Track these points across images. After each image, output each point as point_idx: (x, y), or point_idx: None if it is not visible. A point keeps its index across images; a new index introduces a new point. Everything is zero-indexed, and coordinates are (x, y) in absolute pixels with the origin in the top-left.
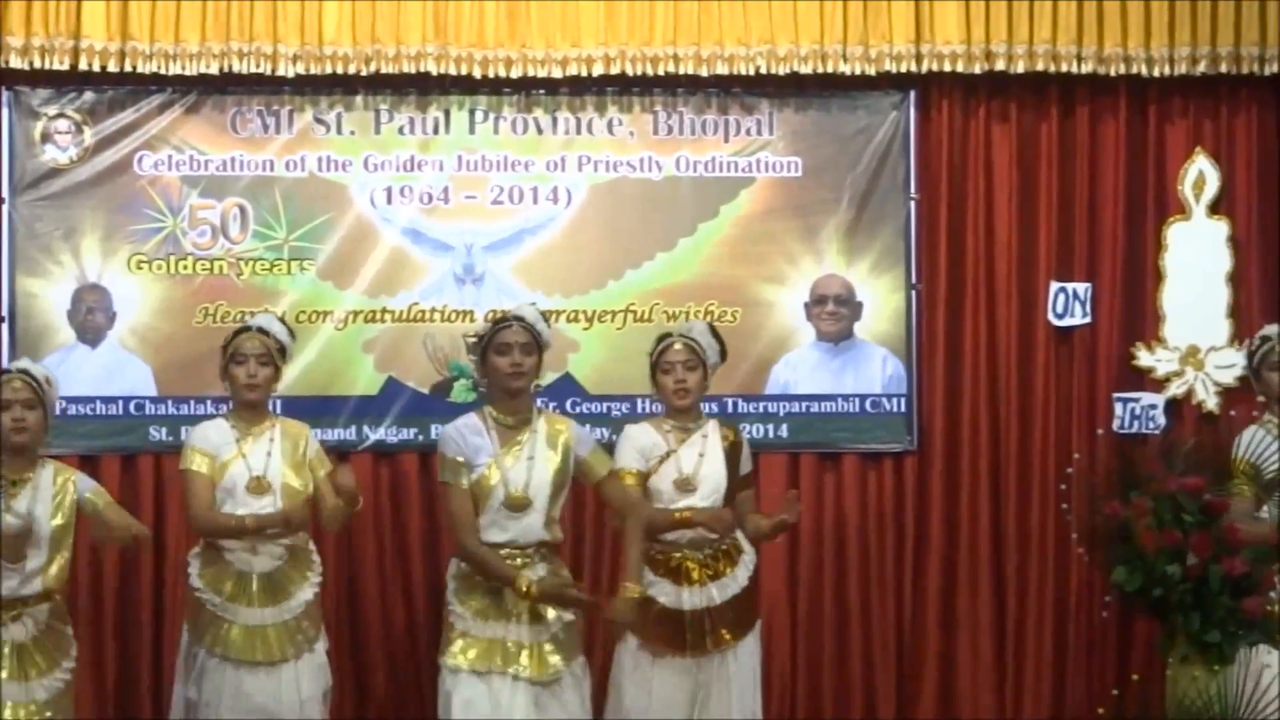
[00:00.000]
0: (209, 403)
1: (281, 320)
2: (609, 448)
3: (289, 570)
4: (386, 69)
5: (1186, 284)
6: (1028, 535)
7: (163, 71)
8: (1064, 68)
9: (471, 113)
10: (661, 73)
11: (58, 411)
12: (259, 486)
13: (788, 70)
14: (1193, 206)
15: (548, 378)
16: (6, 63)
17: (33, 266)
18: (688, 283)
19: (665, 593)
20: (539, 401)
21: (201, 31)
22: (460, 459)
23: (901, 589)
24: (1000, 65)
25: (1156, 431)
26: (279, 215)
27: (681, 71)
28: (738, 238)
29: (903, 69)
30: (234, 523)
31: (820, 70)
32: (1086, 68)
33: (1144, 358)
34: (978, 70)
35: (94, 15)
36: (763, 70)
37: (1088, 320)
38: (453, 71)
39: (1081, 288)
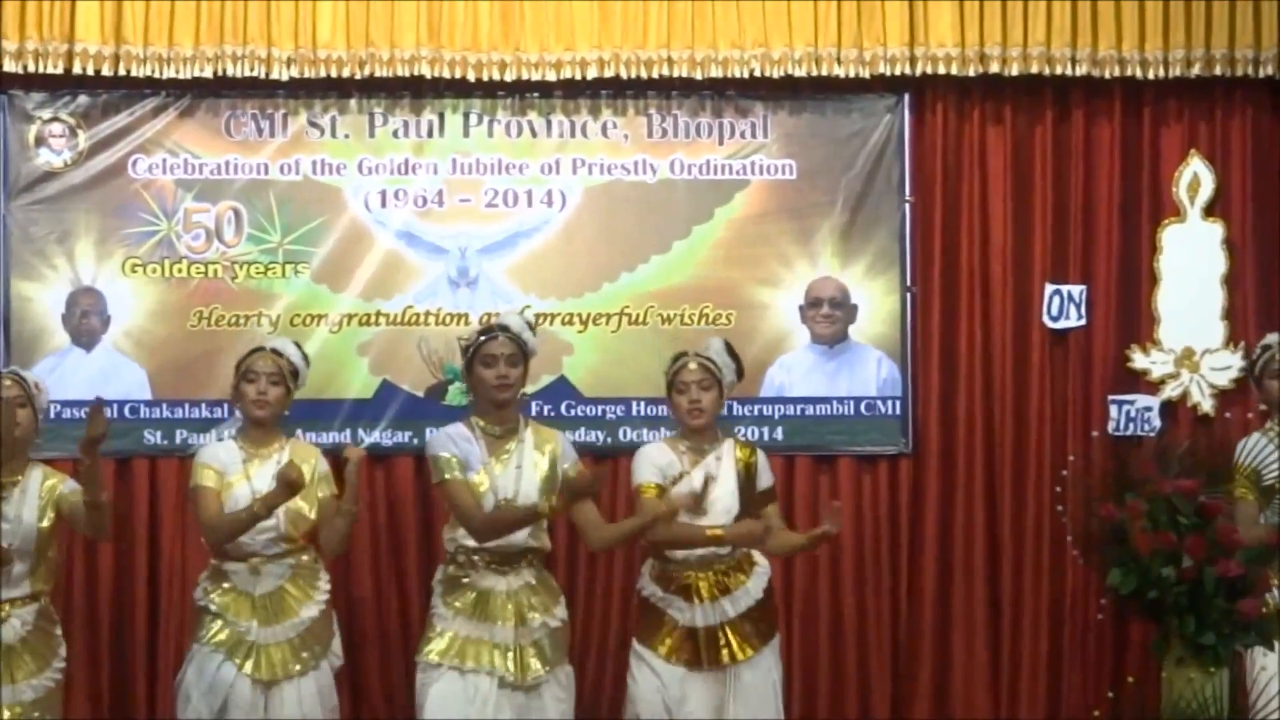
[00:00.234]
0: (203, 406)
1: (299, 346)
2: (604, 455)
3: (292, 589)
4: (380, 72)
5: (1181, 286)
6: (1023, 538)
7: (157, 75)
8: (1059, 70)
9: (466, 116)
10: (656, 75)
11: (51, 415)
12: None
13: (782, 73)
14: (1188, 209)
15: (542, 380)
16: (0, 67)
17: (27, 270)
18: (682, 285)
19: (679, 610)
20: (535, 406)
21: (195, 35)
22: (455, 457)
23: (897, 592)
24: (995, 68)
25: (1151, 434)
26: (273, 218)
27: (676, 74)
28: (732, 240)
29: (897, 72)
30: (244, 514)
31: (814, 73)
32: (1081, 70)
33: (1139, 360)
34: (972, 73)
35: (88, 19)
36: (757, 73)
37: (1083, 322)
38: (447, 74)
39: (1076, 290)
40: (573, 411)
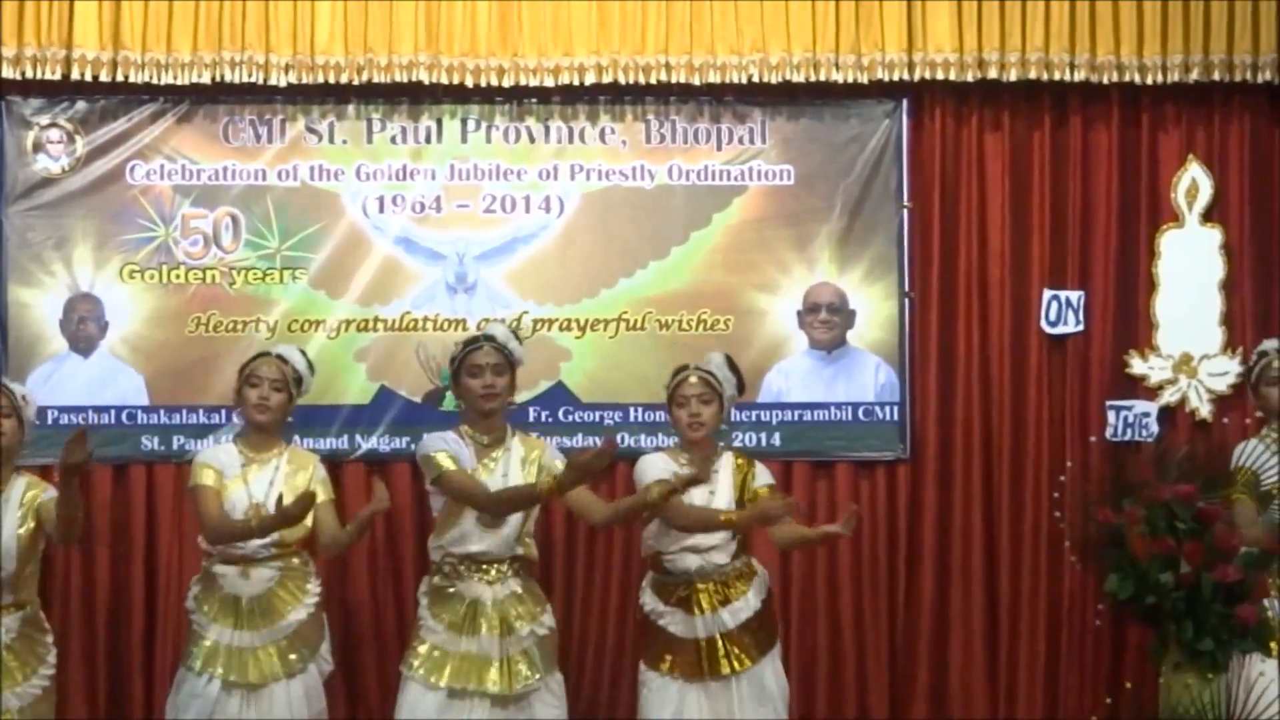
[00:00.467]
0: (201, 412)
1: (304, 354)
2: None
3: (280, 592)
4: (378, 78)
5: (1180, 292)
6: (1021, 543)
7: (155, 81)
8: (1056, 76)
9: (464, 121)
10: (654, 81)
11: (48, 421)
12: (257, 515)
13: (780, 78)
14: (1186, 214)
15: (540, 386)
16: None
17: (25, 276)
18: (680, 291)
19: (677, 622)
20: (533, 412)
21: (193, 41)
22: (447, 452)
23: (895, 597)
24: (993, 73)
25: (1149, 439)
26: (271, 224)
27: (674, 80)
28: (730, 246)
29: (895, 77)
30: (240, 525)
31: (812, 78)
32: (1079, 76)
33: (1137, 365)
34: (970, 78)
35: (86, 25)
36: (755, 78)
37: (1081, 328)
38: (445, 80)
39: (1074, 295)
40: (570, 417)
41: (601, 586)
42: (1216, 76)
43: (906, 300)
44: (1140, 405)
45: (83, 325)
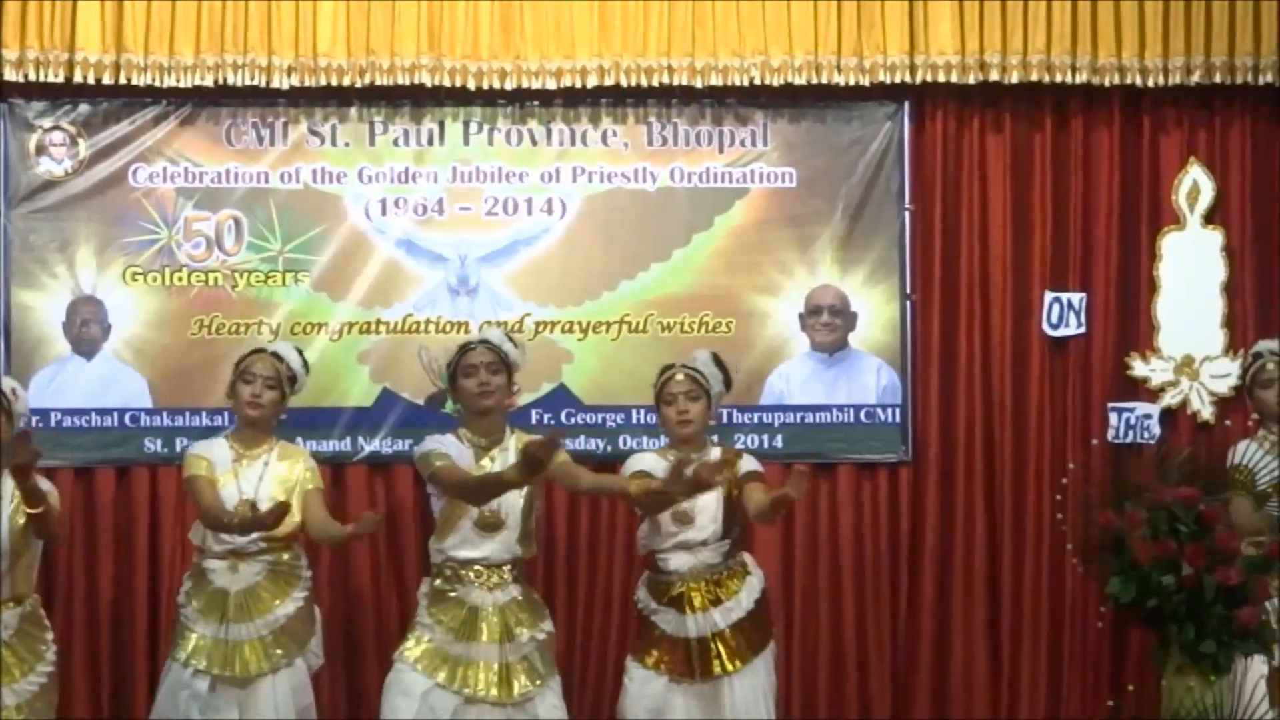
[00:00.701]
0: (204, 414)
1: (300, 353)
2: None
3: (269, 585)
4: (381, 81)
5: (1181, 294)
6: (1022, 546)
7: (157, 84)
8: (1058, 78)
9: (466, 124)
10: (656, 84)
11: (52, 423)
12: (242, 511)
13: (782, 81)
14: (1187, 216)
15: (542, 389)
16: (1, 75)
17: (27, 279)
18: (682, 293)
19: (669, 621)
20: (535, 415)
21: (196, 44)
22: (442, 448)
23: (896, 600)
24: (994, 76)
25: (1151, 441)
26: (274, 227)
27: (676, 82)
28: (732, 248)
29: (897, 80)
30: (225, 518)
31: (814, 81)
32: (1080, 78)
33: (1139, 367)
34: (972, 81)
35: (89, 28)
36: (757, 81)
37: (1082, 330)
38: (447, 83)
39: (1076, 298)
40: (573, 419)
41: (604, 586)
42: (1218, 79)
43: (908, 302)
44: (1142, 407)
45: (85, 328)
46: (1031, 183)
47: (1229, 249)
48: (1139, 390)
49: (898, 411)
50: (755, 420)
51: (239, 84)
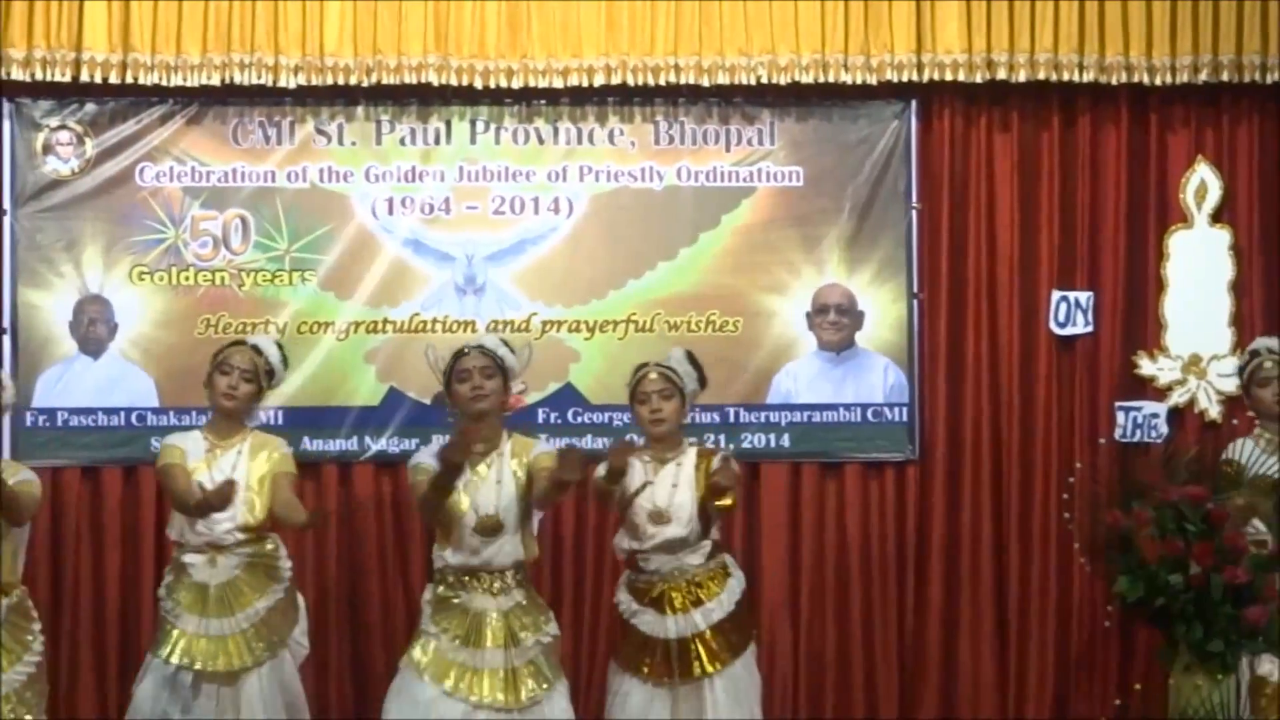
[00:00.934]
0: (211, 414)
1: (280, 347)
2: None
3: (249, 578)
4: (388, 80)
5: (1188, 293)
6: (1029, 545)
7: (164, 83)
8: (1065, 76)
9: (473, 123)
10: (662, 82)
11: (58, 423)
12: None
13: (789, 80)
14: (1195, 215)
15: (549, 388)
16: (8, 74)
17: (34, 278)
18: (689, 292)
19: (648, 622)
20: (541, 414)
21: (203, 43)
22: (430, 465)
23: (903, 599)
24: (1001, 74)
25: (1159, 440)
26: (280, 226)
27: (682, 81)
28: (739, 247)
29: (904, 78)
30: (190, 500)
31: (821, 80)
32: (1088, 76)
33: (1146, 366)
34: (979, 79)
35: (95, 27)
36: (764, 80)
37: (1090, 329)
38: (454, 82)
39: (1083, 296)
40: (579, 419)
41: (610, 589)
42: (1225, 77)
43: (915, 301)
44: (1149, 406)
45: (92, 327)
46: (1039, 181)
47: (1236, 247)
48: (1146, 389)
49: (905, 410)
50: (762, 419)
51: (246, 83)
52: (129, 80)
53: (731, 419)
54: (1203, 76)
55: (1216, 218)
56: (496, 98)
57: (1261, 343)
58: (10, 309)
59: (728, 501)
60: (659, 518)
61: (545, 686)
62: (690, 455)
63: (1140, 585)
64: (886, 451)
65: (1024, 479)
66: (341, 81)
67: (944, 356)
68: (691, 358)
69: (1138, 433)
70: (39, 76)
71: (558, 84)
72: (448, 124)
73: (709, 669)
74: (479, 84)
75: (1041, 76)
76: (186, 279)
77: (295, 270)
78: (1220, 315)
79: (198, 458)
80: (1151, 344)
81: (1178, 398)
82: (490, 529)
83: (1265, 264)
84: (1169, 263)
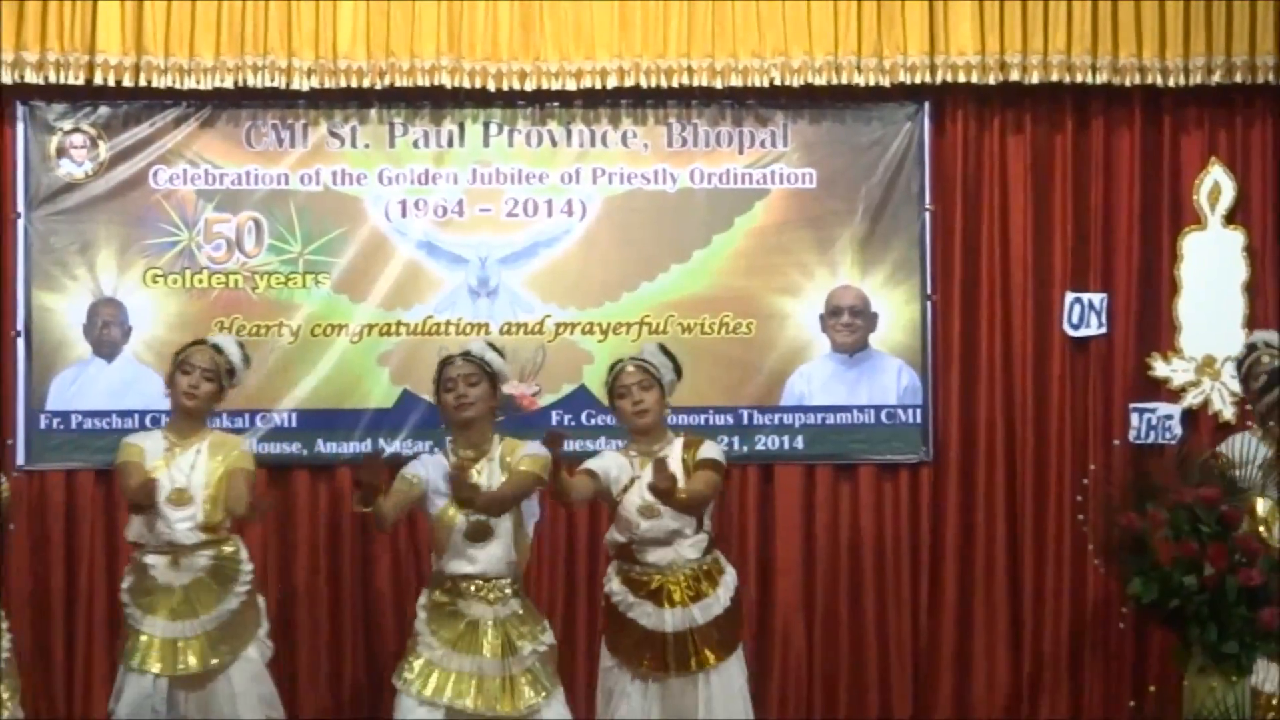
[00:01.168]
0: (224, 416)
1: (241, 346)
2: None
3: (210, 581)
4: (401, 82)
5: (1202, 294)
6: (1044, 546)
7: (177, 86)
8: (1079, 78)
9: (486, 125)
10: (675, 85)
11: (72, 425)
12: (180, 498)
13: (802, 82)
14: (1208, 216)
15: (563, 390)
16: (22, 78)
17: (48, 281)
18: (702, 294)
19: (647, 614)
20: (555, 416)
21: (216, 46)
22: (414, 478)
23: (917, 600)
24: (1015, 76)
25: (1173, 442)
26: (294, 229)
27: (695, 83)
28: (752, 249)
29: (917, 80)
30: (137, 496)
31: (834, 82)
32: (1101, 78)
33: (1160, 368)
34: (992, 81)
35: (109, 30)
36: (777, 82)
37: (1103, 330)
38: (467, 84)
39: (1097, 298)
40: (593, 420)
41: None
42: (1239, 78)
43: (929, 303)
44: (1163, 408)
45: (106, 330)
46: (1052, 183)
47: (1250, 249)
48: (1160, 391)
49: (918, 412)
50: (776, 421)
51: (259, 86)
52: (142, 83)
53: (745, 421)
54: (1216, 78)
55: (1230, 219)
56: (509, 100)
57: (1259, 336)
58: (25, 312)
59: (681, 498)
60: (649, 512)
61: (543, 695)
62: (676, 446)
63: (1154, 587)
64: (900, 453)
65: (1038, 481)
66: (355, 84)
67: (957, 358)
68: (665, 349)
69: (1152, 434)
70: (52, 79)
71: (571, 86)
72: (461, 126)
73: (706, 663)
74: (492, 86)
75: (1055, 78)
76: (200, 282)
77: (309, 273)
78: (1234, 317)
79: (157, 457)
80: (1165, 345)
81: (1192, 399)
82: (480, 534)
83: (1279, 265)
84: (1183, 264)
